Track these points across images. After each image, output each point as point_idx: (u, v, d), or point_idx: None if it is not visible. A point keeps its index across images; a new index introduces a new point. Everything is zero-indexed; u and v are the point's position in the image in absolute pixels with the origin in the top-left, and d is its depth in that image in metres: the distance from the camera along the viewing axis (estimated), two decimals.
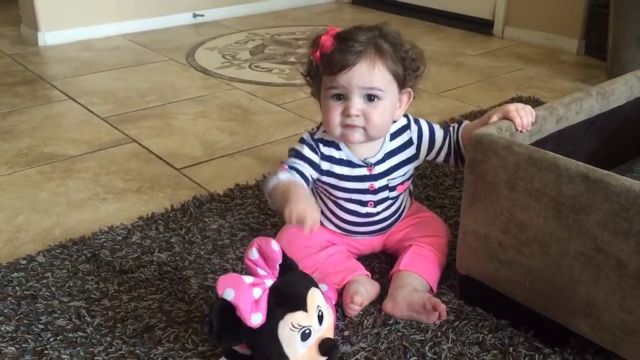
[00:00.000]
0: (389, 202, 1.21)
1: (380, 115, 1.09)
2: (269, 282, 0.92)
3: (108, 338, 1.07)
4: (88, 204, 1.55)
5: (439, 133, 1.21)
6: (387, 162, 1.18)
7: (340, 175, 1.18)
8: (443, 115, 2.05)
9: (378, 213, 1.22)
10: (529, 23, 2.93)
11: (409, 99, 1.15)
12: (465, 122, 1.21)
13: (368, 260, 1.27)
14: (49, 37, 2.94)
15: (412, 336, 1.06)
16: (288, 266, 0.95)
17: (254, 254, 0.92)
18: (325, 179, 1.19)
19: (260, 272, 0.92)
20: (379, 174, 1.18)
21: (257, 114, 2.12)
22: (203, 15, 3.36)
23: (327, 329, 0.94)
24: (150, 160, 1.78)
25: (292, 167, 1.15)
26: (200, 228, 1.40)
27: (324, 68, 1.08)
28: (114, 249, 1.32)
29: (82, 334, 1.08)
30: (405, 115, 1.21)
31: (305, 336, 0.90)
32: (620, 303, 0.89)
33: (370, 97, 1.08)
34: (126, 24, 3.14)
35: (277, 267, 0.93)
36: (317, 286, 0.96)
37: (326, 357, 0.93)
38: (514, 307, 1.06)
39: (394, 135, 1.19)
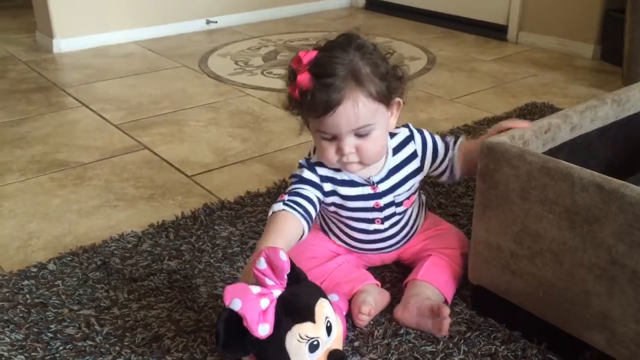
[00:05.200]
0: (397, 217, 1.18)
1: (374, 144, 1.06)
2: (277, 293, 0.91)
3: (117, 347, 1.07)
4: (99, 211, 1.55)
5: (441, 145, 1.18)
6: (392, 178, 1.14)
7: (344, 195, 1.14)
8: (455, 121, 2.04)
9: (386, 230, 1.18)
10: (543, 28, 2.91)
11: (399, 107, 1.11)
12: (462, 139, 1.19)
13: (379, 269, 1.26)
14: (63, 44, 2.96)
15: (423, 347, 1.05)
16: (297, 276, 0.94)
17: (262, 263, 0.91)
18: (329, 199, 1.14)
19: (268, 282, 0.91)
20: (383, 191, 1.14)
21: (269, 121, 2.12)
22: (216, 22, 3.37)
23: (335, 340, 0.93)
24: (161, 168, 1.79)
25: (293, 193, 1.10)
26: (210, 236, 1.39)
27: (307, 109, 1.03)
28: (124, 257, 1.32)
29: (91, 343, 1.08)
30: (406, 126, 1.18)
31: (313, 347, 0.89)
32: (635, 316, 0.88)
33: (361, 134, 1.04)
34: (139, 30, 3.16)
35: (285, 277, 0.92)
36: (325, 297, 0.95)
37: None
38: (527, 319, 1.04)
39: (397, 149, 1.15)
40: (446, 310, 1.06)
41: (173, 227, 1.44)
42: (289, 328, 0.88)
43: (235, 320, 0.85)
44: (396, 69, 1.07)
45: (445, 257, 1.18)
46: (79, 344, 1.08)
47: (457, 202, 1.51)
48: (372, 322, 1.11)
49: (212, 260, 1.30)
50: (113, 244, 1.37)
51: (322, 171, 1.13)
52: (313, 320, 0.89)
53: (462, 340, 1.06)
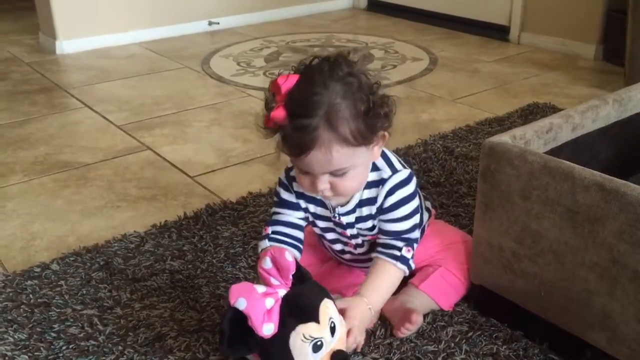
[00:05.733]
0: (367, 245, 1.13)
1: (351, 181, 0.99)
2: (282, 292, 0.91)
3: (120, 347, 1.07)
4: (102, 212, 1.55)
5: (399, 212, 1.06)
6: (357, 212, 1.08)
7: (313, 213, 1.11)
8: (457, 122, 2.04)
9: (361, 254, 1.15)
10: (545, 29, 2.91)
11: (385, 139, 1.01)
12: (376, 257, 1.08)
13: None
14: (66, 45, 2.97)
15: (425, 347, 1.05)
16: (302, 276, 0.94)
17: (267, 263, 0.92)
18: (305, 215, 1.12)
19: (274, 281, 0.92)
20: (348, 223, 1.09)
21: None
22: (218, 23, 3.38)
23: (339, 341, 0.93)
24: (164, 168, 1.79)
25: (275, 222, 1.10)
26: (212, 236, 1.40)
27: (282, 144, 0.97)
28: (127, 257, 1.33)
29: (94, 343, 1.08)
30: (392, 167, 1.06)
31: (316, 348, 0.89)
32: (636, 315, 0.88)
33: (336, 174, 0.98)
34: (142, 32, 3.16)
35: (290, 277, 0.92)
36: (330, 297, 0.95)
37: None
38: (528, 318, 1.05)
39: (369, 185, 1.06)
40: (417, 319, 1.06)
41: (175, 227, 1.44)
42: (293, 328, 0.88)
43: (240, 319, 0.86)
44: (383, 105, 0.97)
45: (455, 271, 1.15)
46: (82, 343, 1.08)
47: (459, 203, 1.51)
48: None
49: (214, 261, 1.31)
50: (116, 244, 1.37)
51: (297, 186, 1.09)
52: (317, 321, 0.90)
53: (464, 340, 1.07)
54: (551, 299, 0.99)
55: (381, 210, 1.07)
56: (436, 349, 1.05)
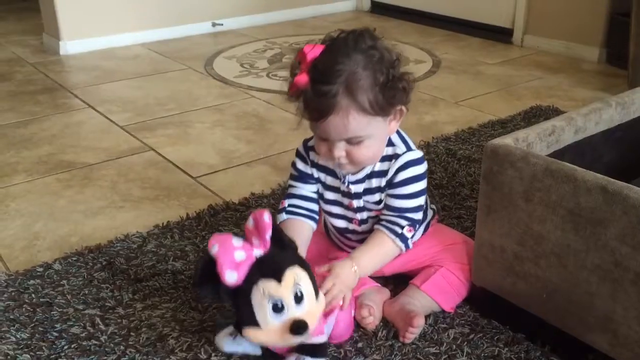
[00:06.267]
0: (371, 223, 1.14)
1: (366, 150, 1.04)
2: (258, 252, 0.94)
3: (122, 347, 1.07)
4: (105, 212, 1.56)
5: (407, 190, 1.09)
6: (365, 183, 1.11)
7: (324, 183, 1.15)
8: (460, 124, 2.04)
9: (363, 232, 1.16)
10: (549, 31, 2.90)
11: (402, 113, 1.06)
12: (402, 232, 1.10)
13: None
14: (70, 45, 2.98)
15: (427, 349, 1.05)
16: (281, 243, 0.97)
17: (250, 222, 0.96)
18: (318, 186, 1.16)
19: (255, 241, 0.95)
20: (355, 193, 1.12)
21: (274, 123, 2.12)
22: (222, 24, 3.38)
23: (307, 313, 0.94)
24: (167, 169, 1.79)
25: (291, 195, 1.15)
26: None
27: (303, 109, 1.02)
28: (129, 257, 1.33)
29: (96, 342, 1.09)
30: (407, 145, 1.11)
31: (277, 309, 0.92)
32: (638, 318, 0.88)
33: (352, 142, 1.03)
34: (146, 33, 3.17)
35: (267, 238, 0.95)
36: (306, 269, 0.97)
37: (298, 339, 0.94)
38: (530, 321, 1.04)
39: (382, 158, 1.10)
40: (419, 322, 1.06)
41: (178, 227, 1.45)
42: (255, 282, 0.92)
43: (213, 264, 0.91)
44: (402, 79, 1.02)
45: (456, 271, 1.15)
46: (84, 343, 1.09)
47: (461, 205, 1.51)
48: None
49: None
50: (118, 245, 1.38)
51: (313, 155, 1.14)
52: (279, 281, 0.92)
53: (466, 342, 1.07)
54: (553, 301, 0.99)
55: (390, 185, 1.10)
56: (437, 351, 1.05)
